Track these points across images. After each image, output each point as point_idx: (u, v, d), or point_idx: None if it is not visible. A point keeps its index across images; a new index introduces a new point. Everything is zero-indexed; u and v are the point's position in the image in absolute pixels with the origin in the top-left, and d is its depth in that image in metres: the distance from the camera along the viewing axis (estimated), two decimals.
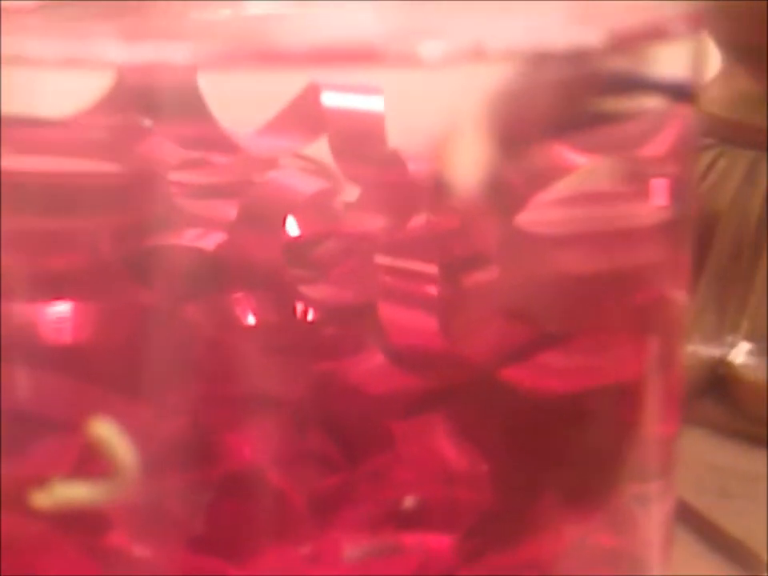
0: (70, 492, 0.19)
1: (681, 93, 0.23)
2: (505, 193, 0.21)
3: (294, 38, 0.19)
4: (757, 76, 0.40)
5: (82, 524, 0.20)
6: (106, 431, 0.19)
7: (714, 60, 0.43)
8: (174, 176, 0.21)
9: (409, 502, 0.21)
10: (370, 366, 0.21)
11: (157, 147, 0.21)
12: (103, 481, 0.19)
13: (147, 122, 0.20)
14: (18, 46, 0.19)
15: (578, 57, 0.20)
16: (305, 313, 0.21)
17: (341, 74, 0.20)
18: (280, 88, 0.20)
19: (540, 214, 0.22)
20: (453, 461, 0.22)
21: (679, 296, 0.25)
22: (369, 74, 0.20)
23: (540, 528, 0.22)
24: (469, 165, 0.21)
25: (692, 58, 0.23)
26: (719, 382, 0.37)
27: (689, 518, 0.33)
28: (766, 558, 0.31)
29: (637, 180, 0.23)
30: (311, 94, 0.20)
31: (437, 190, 0.21)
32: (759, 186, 0.38)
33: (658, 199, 0.24)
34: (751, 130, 0.40)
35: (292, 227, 0.21)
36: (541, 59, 0.20)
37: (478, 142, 0.21)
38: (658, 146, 0.23)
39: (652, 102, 0.23)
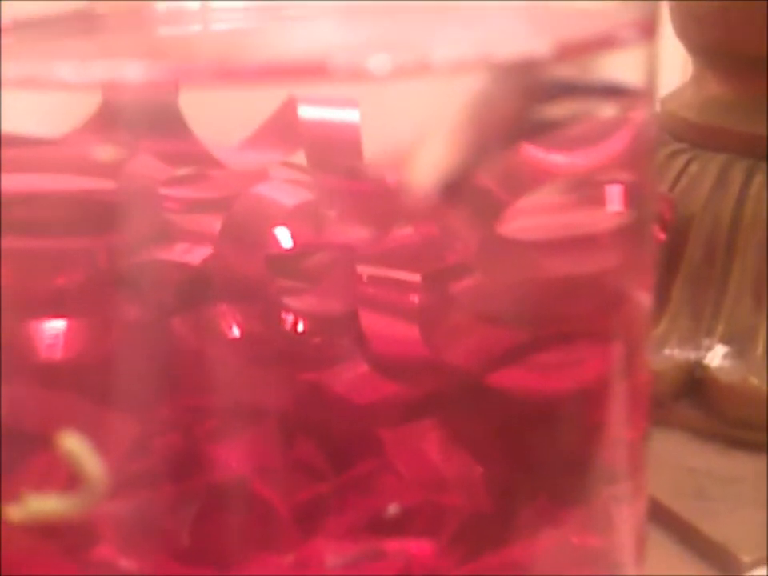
0: (42, 505, 0.20)
1: (632, 97, 0.23)
2: (482, 200, 0.22)
3: (250, 55, 0.19)
4: (727, 81, 0.41)
5: (68, 538, 0.20)
6: (75, 444, 0.19)
7: (685, 66, 0.44)
8: (162, 192, 0.21)
9: (393, 509, 0.21)
10: (355, 376, 0.21)
11: (144, 164, 0.21)
12: (74, 493, 0.19)
13: (131, 140, 0.20)
14: None
15: (527, 67, 0.20)
16: (290, 324, 0.21)
17: (296, 89, 0.20)
18: (255, 104, 0.21)
19: (512, 221, 0.22)
20: (437, 466, 0.22)
21: (644, 300, 0.25)
22: (324, 88, 0.20)
23: (517, 530, 0.22)
24: (432, 172, 0.21)
25: (645, 65, 0.23)
26: (695, 385, 0.38)
27: (666, 521, 0.33)
28: (743, 559, 0.31)
29: (592, 186, 0.23)
30: (289, 108, 0.21)
31: (415, 199, 0.21)
32: (731, 189, 0.39)
33: (614, 204, 0.24)
34: (722, 134, 0.40)
35: (277, 239, 0.21)
36: (489, 70, 0.20)
37: (442, 149, 0.21)
38: (610, 152, 0.23)
39: (604, 108, 0.23)
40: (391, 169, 0.21)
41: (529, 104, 0.21)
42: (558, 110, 0.22)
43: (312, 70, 0.19)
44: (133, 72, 0.18)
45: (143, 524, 0.20)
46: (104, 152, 0.21)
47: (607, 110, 0.23)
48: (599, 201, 0.24)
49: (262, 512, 0.20)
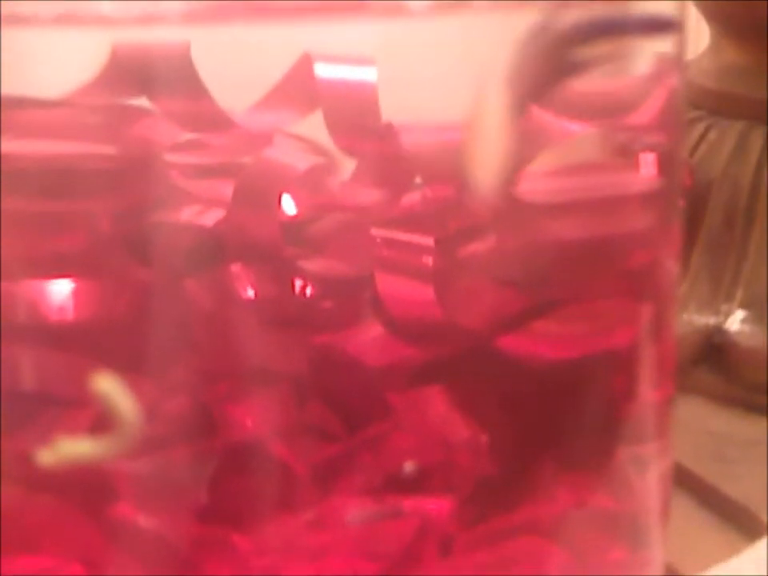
0: (74, 448, 0.20)
1: (664, 28, 0.23)
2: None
3: None
4: (744, 48, 0.41)
5: (87, 495, 0.21)
6: (110, 385, 0.19)
7: (701, 36, 0.43)
8: (172, 157, 0.21)
9: (408, 467, 0.21)
10: (368, 338, 0.21)
11: (153, 128, 0.21)
12: (107, 436, 0.20)
13: (142, 100, 0.20)
14: (12, 5, 0.19)
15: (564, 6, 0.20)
16: (303, 287, 0.21)
17: (332, 29, 0.20)
18: (273, 60, 0.21)
19: (532, 183, 0.22)
20: (451, 428, 0.22)
21: (671, 264, 0.25)
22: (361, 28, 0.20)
23: (537, 492, 0.22)
24: (493, 164, 0.21)
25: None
26: (715, 350, 0.38)
27: (688, 483, 0.33)
28: (764, 519, 0.31)
29: (624, 149, 0.23)
30: (304, 66, 0.20)
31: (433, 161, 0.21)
32: (750, 155, 0.39)
33: (646, 168, 0.24)
34: (741, 100, 0.40)
35: (289, 204, 0.21)
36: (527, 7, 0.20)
37: (497, 139, 0.21)
38: (644, 114, 0.23)
39: (639, 68, 0.23)
40: (413, 130, 0.21)
41: (568, 47, 0.21)
42: (596, 50, 0.22)
43: (349, 6, 0.19)
44: (172, 6, 0.19)
45: (162, 483, 0.20)
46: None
47: (645, 47, 0.23)
48: (633, 162, 0.24)
49: (279, 472, 0.20)
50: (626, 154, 0.24)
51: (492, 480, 0.22)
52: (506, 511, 0.22)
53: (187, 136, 0.21)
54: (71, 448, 0.20)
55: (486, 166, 0.21)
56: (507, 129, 0.21)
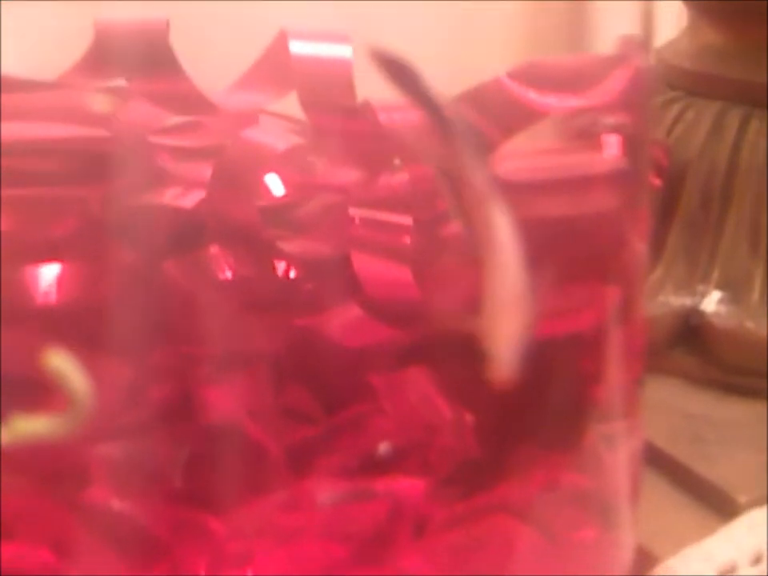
0: (29, 426, 0.19)
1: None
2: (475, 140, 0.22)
3: None
4: (721, 29, 0.41)
5: (60, 480, 0.20)
6: (62, 362, 0.19)
7: (680, 17, 0.43)
8: (156, 139, 0.21)
9: (383, 448, 0.21)
10: (347, 320, 0.21)
11: (137, 111, 0.21)
12: (61, 414, 0.19)
13: (123, 82, 0.20)
14: None
15: None
16: (282, 268, 0.21)
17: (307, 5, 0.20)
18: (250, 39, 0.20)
19: (507, 163, 0.22)
20: (431, 409, 0.22)
21: (639, 245, 0.25)
22: None
23: (511, 472, 0.22)
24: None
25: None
26: (691, 331, 0.38)
27: (663, 465, 0.33)
28: (739, 500, 0.31)
29: (586, 129, 0.23)
30: (280, 44, 0.20)
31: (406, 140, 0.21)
32: (727, 136, 0.39)
33: (610, 148, 0.24)
34: (718, 81, 0.40)
35: (268, 184, 0.21)
36: None
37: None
38: (606, 94, 0.23)
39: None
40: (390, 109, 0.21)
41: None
42: None
43: None
44: None
45: (136, 466, 0.20)
46: (98, 101, 0.21)
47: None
48: (595, 144, 0.24)
49: (254, 454, 0.20)
50: (589, 135, 0.23)
51: (468, 461, 0.22)
52: (480, 491, 0.22)
53: (172, 120, 0.21)
54: (26, 426, 0.19)
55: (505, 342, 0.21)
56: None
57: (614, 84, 0.23)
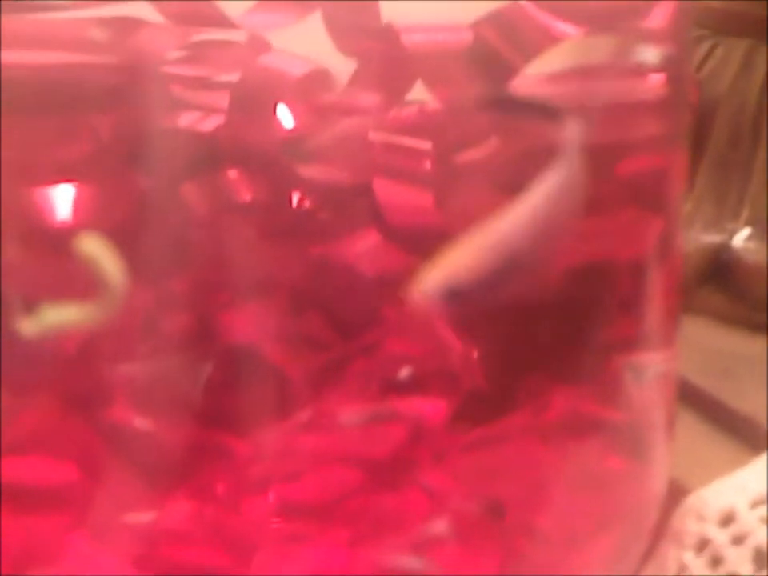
0: (58, 314, 0.19)
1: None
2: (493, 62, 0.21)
3: None
4: None
5: (84, 397, 0.20)
6: (96, 247, 0.19)
7: None
8: (172, 68, 0.21)
9: (403, 372, 0.21)
10: (365, 247, 0.21)
11: (151, 39, 0.21)
12: (91, 301, 0.19)
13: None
14: None
15: None
16: (300, 195, 0.21)
17: None
18: None
19: (535, 87, 0.22)
20: (445, 336, 0.22)
21: (677, 177, 0.25)
22: None
23: (531, 399, 0.22)
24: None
25: None
26: (720, 269, 0.38)
27: (693, 399, 0.33)
28: None
29: (631, 55, 0.23)
30: None
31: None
32: (756, 73, 0.38)
33: (654, 75, 0.23)
34: (747, 18, 0.39)
35: (286, 110, 0.21)
36: None
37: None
38: (653, 21, 0.23)
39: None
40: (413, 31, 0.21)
41: None
42: None
43: None
44: None
45: (158, 387, 0.20)
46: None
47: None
48: (636, 70, 0.23)
49: (274, 377, 0.20)
50: (632, 59, 0.23)
51: (487, 386, 0.22)
52: (495, 418, 0.22)
53: (192, 38, 0.21)
54: (55, 314, 0.19)
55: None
56: None
57: (661, 14, 0.23)
